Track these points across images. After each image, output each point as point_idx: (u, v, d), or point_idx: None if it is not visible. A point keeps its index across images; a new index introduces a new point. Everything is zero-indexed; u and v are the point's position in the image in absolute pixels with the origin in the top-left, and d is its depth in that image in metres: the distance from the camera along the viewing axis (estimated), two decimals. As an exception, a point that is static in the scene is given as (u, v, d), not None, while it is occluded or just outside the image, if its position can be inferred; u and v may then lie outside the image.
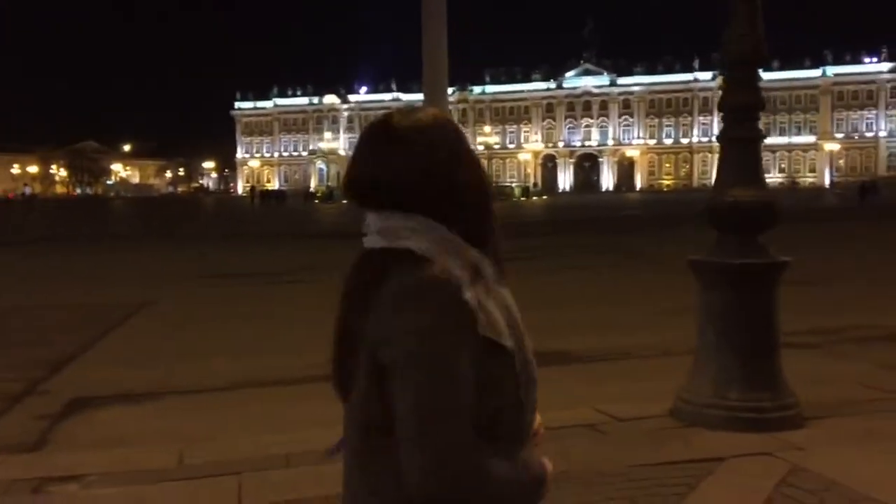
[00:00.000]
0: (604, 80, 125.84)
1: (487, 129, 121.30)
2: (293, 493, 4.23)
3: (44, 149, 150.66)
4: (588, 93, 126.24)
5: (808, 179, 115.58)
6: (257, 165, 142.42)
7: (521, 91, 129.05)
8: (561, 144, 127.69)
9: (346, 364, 1.41)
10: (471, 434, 1.30)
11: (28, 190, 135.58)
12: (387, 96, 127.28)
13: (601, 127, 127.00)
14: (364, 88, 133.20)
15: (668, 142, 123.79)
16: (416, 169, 1.40)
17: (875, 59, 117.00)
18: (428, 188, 1.40)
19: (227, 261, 19.24)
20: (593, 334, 8.90)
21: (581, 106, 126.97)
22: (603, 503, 3.99)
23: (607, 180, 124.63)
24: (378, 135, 1.44)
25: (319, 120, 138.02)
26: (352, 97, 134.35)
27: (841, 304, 10.55)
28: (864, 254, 17.44)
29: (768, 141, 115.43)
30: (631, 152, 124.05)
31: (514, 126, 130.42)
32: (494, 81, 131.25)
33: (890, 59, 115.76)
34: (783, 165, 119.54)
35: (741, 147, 5.17)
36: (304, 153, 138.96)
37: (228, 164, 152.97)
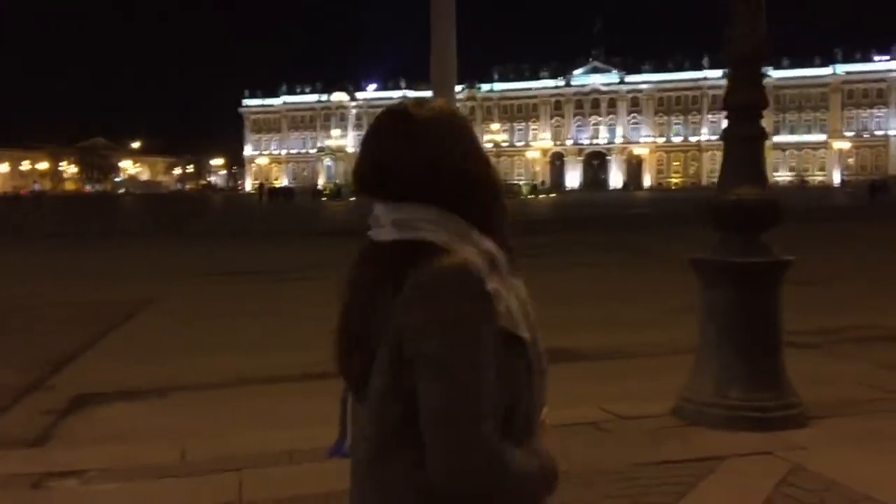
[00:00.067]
0: (612, 77, 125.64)
1: (495, 126, 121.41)
2: (295, 489, 4.23)
3: (54, 146, 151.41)
4: (596, 90, 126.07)
5: (817, 178, 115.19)
6: (265, 163, 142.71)
7: (530, 89, 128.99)
8: (569, 142, 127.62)
9: (363, 358, 1.40)
10: (494, 424, 1.31)
11: (37, 187, 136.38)
12: (395, 94, 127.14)
13: (609, 125, 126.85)
14: (373, 86, 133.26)
15: (677, 140, 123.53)
16: (432, 159, 1.40)
17: (886, 58, 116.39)
18: (443, 179, 1.40)
19: (235, 258, 19.28)
20: (602, 332, 8.89)
21: (589, 104, 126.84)
22: (602, 501, 3.98)
23: (615, 178, 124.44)
24: (393, 125, 1.43)
25: (327, 117, 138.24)
26: (360, 94, 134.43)
27: (843, 303, 10.51)
28: (868, 253, 17.36)
29: (778, 139, 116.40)
30: (639, 150, 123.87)
31: (523, 124, 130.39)
32: (503, 79, 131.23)
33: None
34: (793, 164, 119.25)
35: (744, 145, 5.16)
36: (313, 150, 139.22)
37: (237, 162, 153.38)
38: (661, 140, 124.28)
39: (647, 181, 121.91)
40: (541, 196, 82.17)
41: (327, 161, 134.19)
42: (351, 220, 30.68)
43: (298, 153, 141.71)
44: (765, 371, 5.04)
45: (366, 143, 1.46)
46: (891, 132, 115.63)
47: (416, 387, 1.32)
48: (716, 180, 5.48)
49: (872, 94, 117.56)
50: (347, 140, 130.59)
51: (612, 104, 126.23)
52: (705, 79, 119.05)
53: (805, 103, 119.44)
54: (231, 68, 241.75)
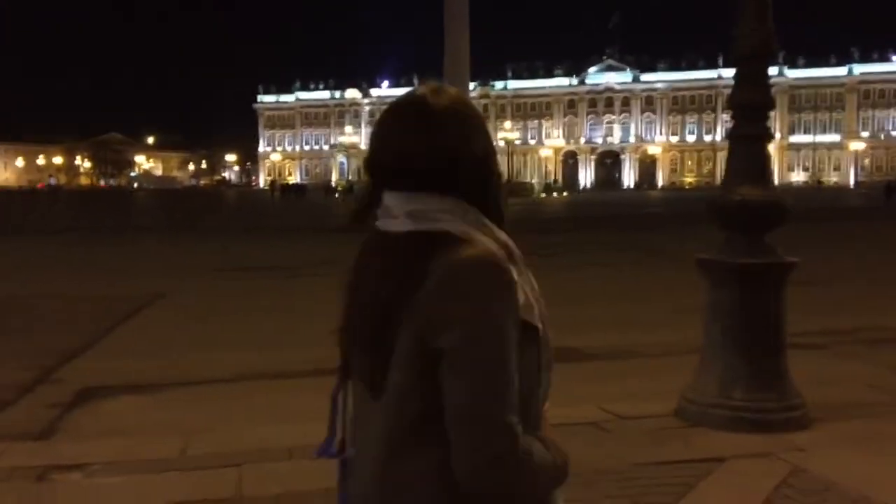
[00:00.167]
0: (626, 76, 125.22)
1: (508, 124, 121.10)
2: (295, 485, 4.25)
3: (69, 140, 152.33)
4: (610, 89, 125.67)
5: (832, 179, 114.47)
6: (279, 159, 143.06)
7: (543, 87, 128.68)
8: (582, 141, 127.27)
9: (378, 353, 1.36)
10: (518, 419, 1.30)
11: (53, 181, 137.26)
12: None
13: (623, 124, 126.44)
14: (386, 82, 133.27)
15: (691, 139, 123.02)
16: (451, 149, 1.38)
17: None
18: (462, 169, 1.38)
19: (247, 254, 19.37)
20: (614, 331, 8.87)
21: (603, 102, 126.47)
22: (602, 501, 3.97)
23: (629, 178, 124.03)
24: (412, 113, 1.41)
25: (341, 114, 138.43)
26: (373, 91, 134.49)
27: (854, 304, 10.44)
28: (882, 254, 17.25)
29: (793, 139, 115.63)
30: (653, 150, 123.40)
31: (536, 122, 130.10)
32: (517, 77, 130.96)
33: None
34: (807, 164, 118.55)
35: (749, 145, 5.13)
36: (326, 147, 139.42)
37: (251, 158, 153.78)
38: (674, 139, 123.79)
39: (661, 181, 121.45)
40: (553, 195, 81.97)
41: (340, 158, 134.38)
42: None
43: (312, 150, 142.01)
44: (768, 372, 5.03)
45: (382, 132, 1.44)
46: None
47: (439, 382, 1.30)
48: (730, 180, 5.44)
49: (889, 95, 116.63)
50: (360, 137, 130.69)
51: (626, 103, 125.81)
52: (720, 78, 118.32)
53: (821, 103, 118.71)
54: (252, 62, 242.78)
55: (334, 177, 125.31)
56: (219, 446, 4.91)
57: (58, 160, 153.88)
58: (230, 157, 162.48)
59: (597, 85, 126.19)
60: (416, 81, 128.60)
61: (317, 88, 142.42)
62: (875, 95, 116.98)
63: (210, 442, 5.03)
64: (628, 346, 8.12)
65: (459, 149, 1.38)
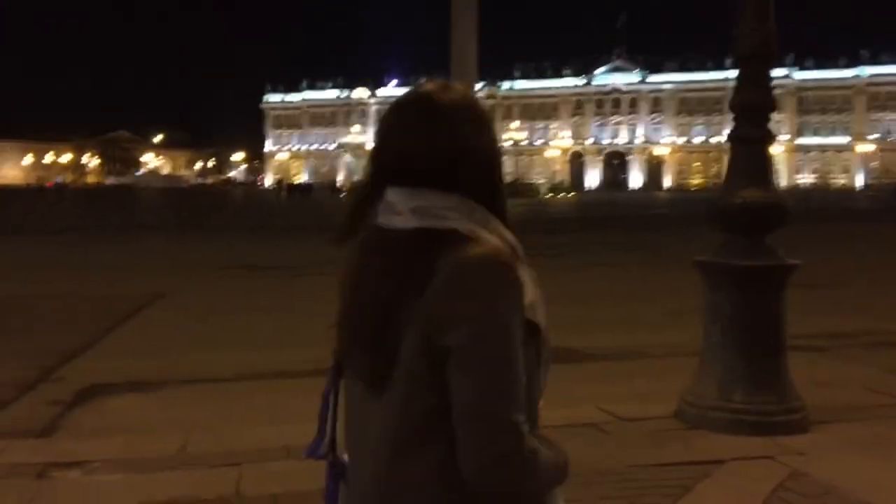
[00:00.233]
0: (634, 77, 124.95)
1: (515, 124, 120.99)
2: (293, 485, 4.25)
3: (77, 138, 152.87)
4: (618, 90, 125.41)
5: (840, 181, 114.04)
6: (286, 158, 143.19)
7: (550, 87, 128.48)
8: (589, 142, 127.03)
9: (381, 351, 1.34)
10: (524, 418, 1.30)
11: (60, 179, 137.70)
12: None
13: (630, 125, 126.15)
14: (393, 82, 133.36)
15: (699, 141, 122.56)
16: (459, 147, 1.38)
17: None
18: (469, 167, 1.38)
19: (253, 253, 19.38)
20: (620, 332, 8.86)
21: (610, 103, 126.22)
22: (598, 502, 3.97)
23: (635, 179, 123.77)
24: (421, 108, 1.40)
25: (348, 114, 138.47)
26: (380, 91, 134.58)
27: (855, 307, 10.41)
28: (884, 255, 17.19)
29: (800, 141, 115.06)
30: (660, 151, 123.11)
31: (543, 122, 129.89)
32: (523, 77, 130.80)
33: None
34: (816, 166, 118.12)
35: (750, 147, 5.12)
36: (333, 147, 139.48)
37: (258, 157, 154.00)
38: (682, 140, 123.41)
39: (668, 182, 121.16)
40: (560, 195, 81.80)
41: (347, 157, 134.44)
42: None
43: (319, 149, 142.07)
44: (768, 374, 5.01)
45: (388, 127, 1.43)
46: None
47: (445, 380, 1.29)
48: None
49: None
50: (367, 137, 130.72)
51: (634, 104, 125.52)
52: (728, 79, 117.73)
53: (829, 105, 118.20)
54: (260, 61, 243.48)
55: (341, 176, 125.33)
56: (218, 445, 4.93)
57: (66, 158, 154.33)
58: (237, 156, 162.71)
59: (604, 86, 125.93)
60: (423, 81, 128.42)
61: (324, 88, 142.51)
62: (884, 98, 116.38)
63: (209, 441, 5.04)
64: (633, 346, 8.10)
65: (468, 145, 1.38)
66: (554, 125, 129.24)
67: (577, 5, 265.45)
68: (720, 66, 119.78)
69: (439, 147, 1.37)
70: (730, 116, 5.19)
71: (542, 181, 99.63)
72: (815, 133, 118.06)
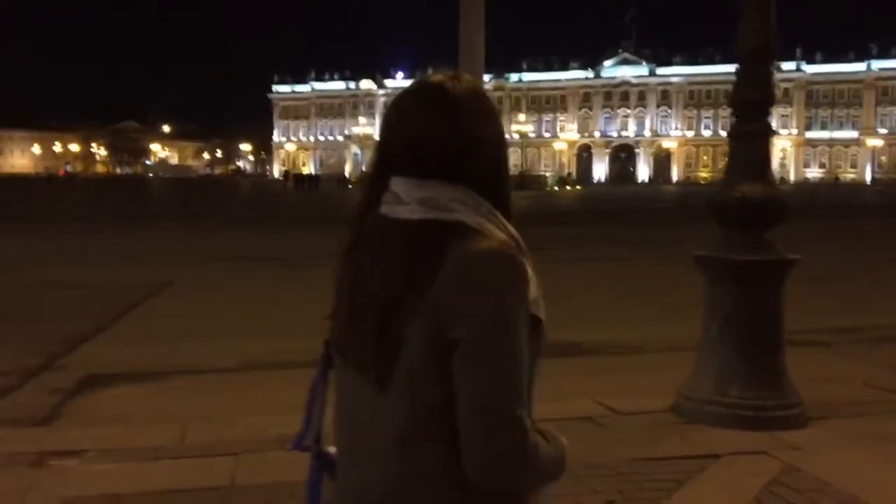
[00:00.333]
0: (642, 70, 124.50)
1: (523, 117, 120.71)
2: (289, 475, 4.26)
3: (86, 128, 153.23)
4: (626, 83, 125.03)
5: (849, 175, 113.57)
6: (293, 149, 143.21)
7: (558, 80, 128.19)
8: (597, 134, 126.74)
9: (386, 343, 1.32)
10: (528, 412, 1.29)
11: (69, 168, 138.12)
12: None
13: (638, 118, 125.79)
14: (400, 74, 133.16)
15: (707, 134, 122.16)
16: (469, 138, 1.36)
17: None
18: (478, 159, 1.37)
19: (260, 243, 19.44)
20: (622, 326, 8.86)
21: (618, 96, 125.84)
22: (590, 495, 3.98)
23: (643, 172, 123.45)
24: (432, 98, 1.38)
25: (356, 105, 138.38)
26: (388, 82, 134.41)
27: (858, 302, 10.38)
28: (886, 252, 17.12)
29: (809, 135, 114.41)
30: (668, 144, 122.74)
31: (550, 115, 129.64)
32: (532, 69, 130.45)
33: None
34: (824, 161, 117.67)
35: (749, 142, 5.11)
36: (340, 138, 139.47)
37: (265, 147, 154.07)
38: (690, 134, 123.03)
39: (675, 175, 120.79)
40: (567, 188, 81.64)
41: (354, 149, 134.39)
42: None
43: (326, 140, 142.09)
44: (765, 369, 5.01)
45: (397, 116, 1.41)
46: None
47: (451, 373, 1.28)
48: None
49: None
50: (374, 128, 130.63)
51: (642, 97, 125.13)
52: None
53: (838, 99, 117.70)
54: (269, 52, 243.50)
55: (348, 168, 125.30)
56: (216, 435, 4.95)
57: (74, 148, 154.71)
58: (245, 147, 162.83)
59: (612, 78, 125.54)
60: (430, 73, 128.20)
61: (332, 79, 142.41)
62: (893, 92, 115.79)
63: (208, 431, 5.06)
64: (632, 341, 8.10)
65: (475, 137, 1.37)
66: (562, 118, 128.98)
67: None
68: (728, 60, 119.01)
69: (447, 137, 1.35)
70: (737, 110, 5.18)
71: (549, 173, 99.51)
72: (824, 127, 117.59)
